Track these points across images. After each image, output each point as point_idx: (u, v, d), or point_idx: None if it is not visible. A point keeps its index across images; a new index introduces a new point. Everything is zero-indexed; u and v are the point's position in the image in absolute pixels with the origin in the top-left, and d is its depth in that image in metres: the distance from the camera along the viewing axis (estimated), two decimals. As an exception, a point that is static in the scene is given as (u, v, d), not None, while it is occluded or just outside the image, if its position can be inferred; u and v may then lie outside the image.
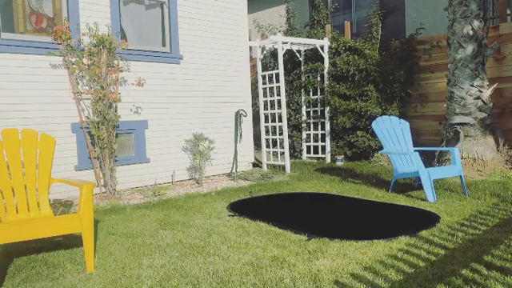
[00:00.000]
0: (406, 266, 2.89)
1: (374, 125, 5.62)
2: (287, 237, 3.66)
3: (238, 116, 7.48)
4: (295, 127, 9.33)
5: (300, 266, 2.96)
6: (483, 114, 6.49)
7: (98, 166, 5.79)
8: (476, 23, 6.47)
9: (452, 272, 2.76)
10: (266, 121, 8.34)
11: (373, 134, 7.82)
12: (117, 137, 5.88)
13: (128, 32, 6.46)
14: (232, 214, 4.60)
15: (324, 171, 7.43)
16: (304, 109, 9.20)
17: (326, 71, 8.68)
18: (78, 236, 3.18)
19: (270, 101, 8.31)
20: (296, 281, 2.72)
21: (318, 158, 8.95)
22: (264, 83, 8.32)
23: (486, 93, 6.52)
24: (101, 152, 5.64)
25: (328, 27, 9.18)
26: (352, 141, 8.33)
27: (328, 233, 3.68)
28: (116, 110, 5.75)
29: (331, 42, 8.73)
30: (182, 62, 6.84)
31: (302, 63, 9.20)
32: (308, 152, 9.21)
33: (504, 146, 6.60)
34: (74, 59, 5.63)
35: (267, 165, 8.13)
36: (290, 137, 9.03)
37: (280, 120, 8.02)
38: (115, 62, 5.82)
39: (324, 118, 8.83)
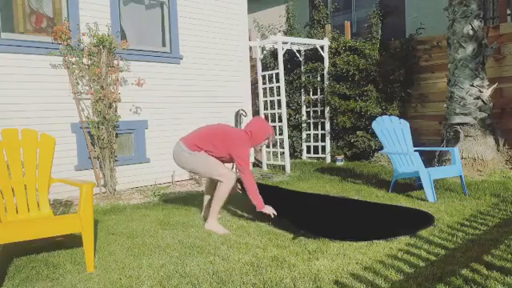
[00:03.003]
0: (406, 266, 2.89)
1: (374, 125, 5.62)
2: (287, 237, 3.66)
3: (238, 116, 7.47)
4: (295, 127, 9.32)
5: (300, 266, 2.96)
6: (483, 114, 6.48)
7: (97, 166, 5.79)
8: (476, 23, 6.47)
9: (452, 272, 2.76)
10: (266, 121, 8.33)
11: (373, 134, 7.82)
12: (117, 137, 5.88)
13: (128, 32, 6.46)
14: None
15: (324, 171, 7.43)
16: (304, 109, 9.20)
17: (326, 71, 8.67)
18: (78, 236, 3.17)
19: (270, 101, 8.31)
20: (296, 281, 2.72)
21: (318, 158, 8.95)
22: (264, 83, 8.32)
23: (486, 93, 6.52)
24: (101, 152, 5.64)
25: (328, 27, 9.17)
26: (352, 141, 8.33)
27: (328, 233, 3.67)
28: (116, 110, 5.74)
29: (331, 42, 8.73)
30: (182, 62, 6.84)
31: (302, 63, 9.20)
32: (308, 152, 9.20)
33: (504, 145, 6.60)
34: (73, 59, 5.62)
35: (267, 165, 8.13)
36: (289, 137, 9.02)
37: (280, 120, 8.01)
38: (115, 62, 5.82)
39: (324, 118, 8.83)
